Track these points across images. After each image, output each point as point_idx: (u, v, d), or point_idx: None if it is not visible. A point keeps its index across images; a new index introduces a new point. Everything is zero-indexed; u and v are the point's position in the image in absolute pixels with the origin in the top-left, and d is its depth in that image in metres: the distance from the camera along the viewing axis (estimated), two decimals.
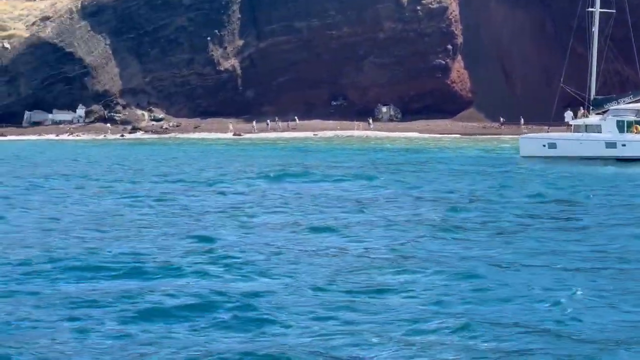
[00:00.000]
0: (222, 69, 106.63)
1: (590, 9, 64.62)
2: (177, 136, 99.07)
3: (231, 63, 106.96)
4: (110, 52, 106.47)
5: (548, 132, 66.81)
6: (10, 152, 70.53)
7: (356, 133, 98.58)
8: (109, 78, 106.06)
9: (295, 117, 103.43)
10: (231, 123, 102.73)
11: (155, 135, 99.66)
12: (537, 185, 38.31)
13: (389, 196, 32.79)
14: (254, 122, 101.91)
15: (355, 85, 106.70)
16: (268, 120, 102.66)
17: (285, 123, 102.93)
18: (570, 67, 73.37)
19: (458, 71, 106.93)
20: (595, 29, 64.18)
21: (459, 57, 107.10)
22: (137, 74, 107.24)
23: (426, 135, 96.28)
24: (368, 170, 46.77)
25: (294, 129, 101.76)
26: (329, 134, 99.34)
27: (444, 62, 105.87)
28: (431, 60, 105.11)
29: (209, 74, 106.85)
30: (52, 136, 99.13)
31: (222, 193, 33.54)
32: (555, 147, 59.83)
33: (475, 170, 49.18)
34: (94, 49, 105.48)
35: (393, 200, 31.24)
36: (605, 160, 54.88)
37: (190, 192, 34.63)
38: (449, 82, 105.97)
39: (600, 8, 64.10)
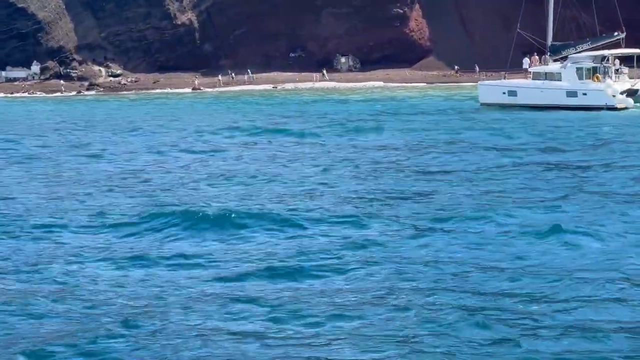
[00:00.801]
0: (179, 22, 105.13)
1: None
2: (137, 93, 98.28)
3: (188, 17, 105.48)
4: (64, 6, 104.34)
5: (506, 79, 65.96)
6: None
7: (317, 84, 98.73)
8: (64, 34, 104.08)
9: (248, 70, 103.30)
10: (196, 78, 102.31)
11: (113, 93, 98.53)
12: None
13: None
14: (220, 76, 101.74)
15: (313, 37, 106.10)
16: (232, 74, 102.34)
17: (244, 76, 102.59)
18: (529, 13, 73.62)
19: (416, 20, 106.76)
20: None
21: (417, 6, 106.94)
22: (93, 29, 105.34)
23: (390, 85, 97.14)
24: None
25: (250, 83, 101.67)
26: (289, 86, 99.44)
27: (402, 11, 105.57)
28: (389, 9, 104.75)
29: (166, 27, 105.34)
30: (3, 94, 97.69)
31: None
32: (516, 95, 60.40)
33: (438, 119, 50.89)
34: (47, 4, 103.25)
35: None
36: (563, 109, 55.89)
37: None
38: (407, 31, 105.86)
39: None
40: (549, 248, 14.96)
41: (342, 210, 19.41)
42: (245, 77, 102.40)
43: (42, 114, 68.79)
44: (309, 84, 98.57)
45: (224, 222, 17.68)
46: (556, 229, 16.04)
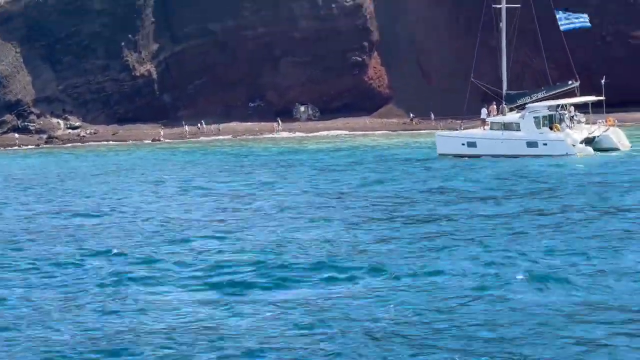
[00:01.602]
0: (137, 74, 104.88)
1: (496, 5, 65.99)
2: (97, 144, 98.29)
3: (147, 68, 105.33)
4: (22, 60, 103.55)
5: (462, 127, 65.62)
6: None
7: (279, 135, 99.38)
8: (22, 87, 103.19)
9: (202, 122, 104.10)
10: (161, 129, 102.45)
11: (69, 144, 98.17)
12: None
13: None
14: (186, 126, 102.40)
15: (273, 86, 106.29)
16: (199, 124, 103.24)
17: (210, 127, 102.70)
18: (485, 60, 75.01)
19: (375, 67, 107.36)
20: (503, 25, 65.40)
21: (376, 54, 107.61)
22: (51, 82, 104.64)
23: (353, 133, 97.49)
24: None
25: (216, 134, 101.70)
26: (250, 136, 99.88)
27: (360, 59, 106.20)
28: (348, 57, 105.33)
29: (125, 79, 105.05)
30: None
31: None
32: (475, 146, 60.76)
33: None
34: (4, 58, 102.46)
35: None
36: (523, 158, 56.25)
37: None
38: (366, 79, 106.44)
39: (507, 3, 65.71)
40: None
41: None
42: (212, 127, 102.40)
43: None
44: (270, 135, 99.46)
45: None
46: None
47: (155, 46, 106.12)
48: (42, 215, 35.00)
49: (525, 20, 67.18)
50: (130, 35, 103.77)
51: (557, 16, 62.36)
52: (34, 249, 25.84)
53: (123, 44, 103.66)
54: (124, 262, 22.08)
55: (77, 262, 22.40)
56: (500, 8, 65.19)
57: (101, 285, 18.92)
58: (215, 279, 19.29)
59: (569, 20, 63.48)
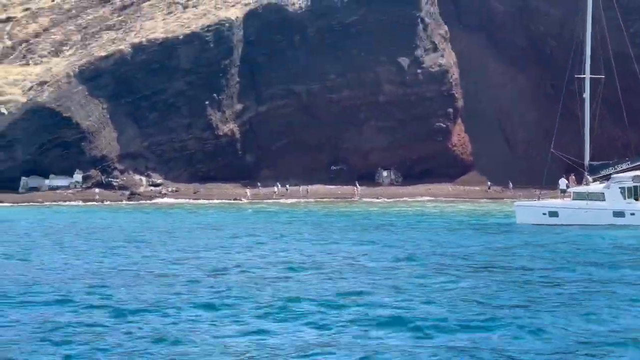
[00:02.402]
0: (221, 133, 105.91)
1: (579, 75, 64.09)
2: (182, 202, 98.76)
3: (230, 127, 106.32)
4: (108, 116, 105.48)
5: (539, 197, 66.77)
6: None
7: (362, 199, 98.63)
8: (107, 143, 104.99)
9: (286, 185, 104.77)
10: (247, 189, 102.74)
11: (150, 201, 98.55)
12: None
13: None
14: (276, 187, 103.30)
15: (356, 149, 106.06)
16: (286, 186, 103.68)
17: (298, 188, 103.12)
18: (568, 130, 73.12)
19: (459, 134, 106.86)
20: (587, 95, 63.48)
21: (460, 121, 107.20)
22: (135, 139, 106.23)
23: (438, 199, 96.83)
24: None
25: (304, 196, 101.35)
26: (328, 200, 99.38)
27: (444, 126, 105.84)
28: (432, 123, 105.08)
29: (208, 138, 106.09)
30: (48, 203, 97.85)
31: None
32: (557, 216, 58.41)
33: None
34: (92, 114, 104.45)
35: None
36: (607, 228, 53.99)
37: None
38: (450, 146, 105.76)
39: (591, 73, 63.87)
40: None
41: None
42: (300, 188, 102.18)
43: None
44: (357, 198, 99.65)
45: None
46: None
47: (239, 106, 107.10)
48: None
49: (610, 90, 65.69)
50: (214, 95, 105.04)
51: None
52: None
53: (207, 102, 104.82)
54: None
55: None
56: (584, 78, 63.42)
57: None
58: None
59: None
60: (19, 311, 21.94)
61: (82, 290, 25.80)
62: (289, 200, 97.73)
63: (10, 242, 47.71)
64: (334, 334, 18.02)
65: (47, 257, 37.70)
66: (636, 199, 55.99)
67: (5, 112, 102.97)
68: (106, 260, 35.87)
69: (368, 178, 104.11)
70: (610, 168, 60.93)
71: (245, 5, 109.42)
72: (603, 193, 57.74)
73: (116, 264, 34.17)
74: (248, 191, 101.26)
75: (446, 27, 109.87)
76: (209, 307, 21.83)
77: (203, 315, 20.67)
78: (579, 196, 59.36)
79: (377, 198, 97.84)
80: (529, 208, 63.03)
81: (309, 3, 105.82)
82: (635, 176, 57.38)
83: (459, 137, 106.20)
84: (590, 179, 61.26)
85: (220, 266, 32.86)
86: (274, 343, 17.07)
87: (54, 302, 23.28)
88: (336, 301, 22.48)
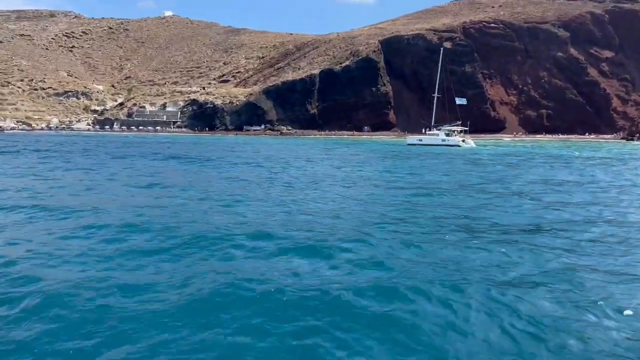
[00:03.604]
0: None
1: (434, 94, 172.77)
2: None
3: None
4: (272, 106, 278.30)
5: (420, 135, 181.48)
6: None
7: None
8: (273, 115, 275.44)
9: None
10: None
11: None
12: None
13: None
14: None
15: None
16: None
17: None
18: (428, 111, 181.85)
19: None
20: (435, 100, 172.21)
21: None
22: (280, 113, 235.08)
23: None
24: None
25: None
26: None
27: None
28: None
29: None
30: (252, 135, 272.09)
31: None
32: (422, 140, 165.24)
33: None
34: (266, 106, 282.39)
35: None
36: (440, 146, 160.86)
37: None
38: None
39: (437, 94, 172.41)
40: None
41: None
42: None
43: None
44: None
45: None
46: None
47: None
48: None
49: (446, 100, 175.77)
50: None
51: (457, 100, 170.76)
52: None
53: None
54: None
55: None
56: (435, 96, 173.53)
57: None
58: None
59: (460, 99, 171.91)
60: None
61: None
62: None
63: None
64: None
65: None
66: (447, 135, 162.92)
67: (238, 103, 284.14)
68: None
69: None
70: (441, 126, 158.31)
71: None
72: (438, 133, 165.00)
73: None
74: None
75: None
76: None
77: None
78: (430, 134, 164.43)
79: None
80: (411, 138, 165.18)
81: None
82: (448, 129, 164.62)
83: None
84: (434, 129, 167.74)
85: None
86: None
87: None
88: None
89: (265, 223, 26.71)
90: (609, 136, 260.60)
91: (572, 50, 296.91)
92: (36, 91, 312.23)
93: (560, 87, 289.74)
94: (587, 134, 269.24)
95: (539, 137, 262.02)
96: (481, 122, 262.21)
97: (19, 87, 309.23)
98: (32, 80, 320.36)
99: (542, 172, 63.40)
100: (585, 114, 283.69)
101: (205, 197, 35.99)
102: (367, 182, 47.96)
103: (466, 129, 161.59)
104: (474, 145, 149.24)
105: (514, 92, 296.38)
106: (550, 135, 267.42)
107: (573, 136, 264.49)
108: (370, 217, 29.10)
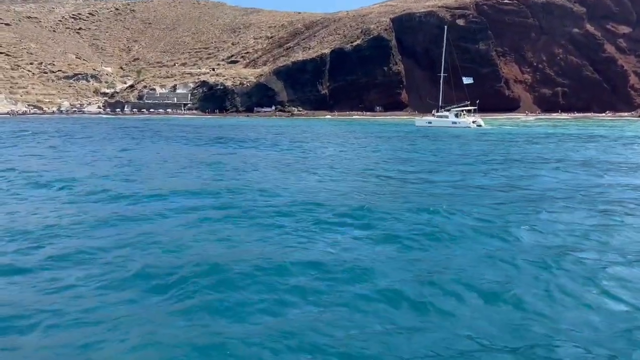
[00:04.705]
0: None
1: (440, 74, 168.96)
2: None
3: None
4: (284, 86, 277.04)
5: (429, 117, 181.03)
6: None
7: None
8: (283, 96, 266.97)
9: None
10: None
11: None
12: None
13: None
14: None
15: None
16: None
17: None
18: (436, 91, 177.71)
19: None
20: (441, 79, 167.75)
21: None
22: (291, 94, 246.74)
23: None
24: None
25: None
26: None
27: None
28: None
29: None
30: (261, 117, 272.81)
31: None
32: (431, 123, 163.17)
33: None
34: (277, 86, 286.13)
35: None
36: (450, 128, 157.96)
37: None
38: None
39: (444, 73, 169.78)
40: None
41: None
42: None
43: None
44: None
45: None
46: None
47: None
48: None
49: (454, 79, 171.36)
50: None
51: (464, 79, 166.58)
52: None
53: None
54: None
55: None
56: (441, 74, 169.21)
57: None
58: None
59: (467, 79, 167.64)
60: None
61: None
62: None
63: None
64: None
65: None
66: (457, 117, 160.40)
67: (249, 85, 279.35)
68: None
69: None
70: (449, 107, 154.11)
71: None
72: (447, 115, 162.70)
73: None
74: None
75: None
76: None
77: None
78: (440, 116, 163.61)
79: None
80: (420, 121, 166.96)
81: None
82: (457, 110, 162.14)
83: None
84: (443, 110, 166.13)
85: None
86: None
87: None
88: None
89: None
90: (626, 114, 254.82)
91: (588, 26, 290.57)
92: (46, 74, 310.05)
93: (576, 64, 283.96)
94: (606, 112, 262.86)
95: (555, 115, 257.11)
96: (495, 101, 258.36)
97: (29, 71, 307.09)
98: (42, 63, 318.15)
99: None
100: (601, 91, 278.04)
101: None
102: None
103: (474, 107, 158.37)
104: (483, 124, 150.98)
105: (528, 69, 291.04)
106: (566, 114, 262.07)
107: (590, 114, 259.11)
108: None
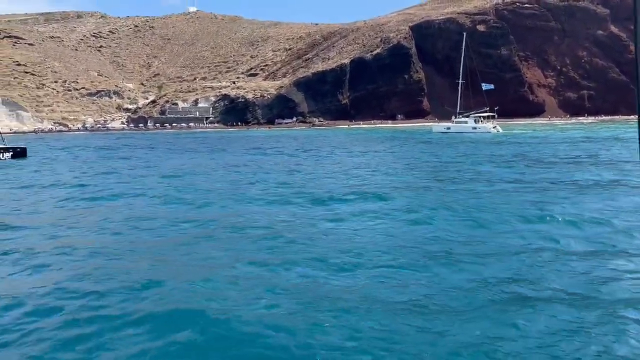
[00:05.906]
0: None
1: (458, 81, 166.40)
2: None
3: None
4: (304, 98, 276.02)
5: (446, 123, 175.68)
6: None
7: None
8: (304, 107, 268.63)
9: None
10: None
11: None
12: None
13: None
14: None
15: None
16: None
17: None
18: (455, 99, 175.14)
19: None
20: (460, 85, 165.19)
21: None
22: (312, 105, 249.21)
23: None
24: None
25: None
26: None
27: None
28: None
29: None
30: (284, 128, 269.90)
31: None
32: (450, 129, 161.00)
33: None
34: (297, 98, 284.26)
35: None
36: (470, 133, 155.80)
37: None
38: None
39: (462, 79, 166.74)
40: None
41: None
42: None
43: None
44: None
45: None
46: None
47: None
48: None
49: (473, 85, 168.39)
50: None
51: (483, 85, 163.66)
52: None
53: None
54: None
55: None
56: (459, 81, 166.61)
57: None
58: None
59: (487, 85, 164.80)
60: None
61: None
62: None
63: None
64: None
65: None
66: (476, 122, 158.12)
67: (269, 97, 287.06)
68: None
69: None
70: (468, 113, 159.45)
71: None
72: (467, 120, 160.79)
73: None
74: None
75: None
76: None
77: None
78: (458, 122, 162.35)
79: None
80: (438, 126, 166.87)
81: None
82: (476, 116, 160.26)
83: None
84: (460, 117, 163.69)
85: None
86: None
87: None
88: None
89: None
90: None
91: (613, 28, 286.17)
92: (70, 92, 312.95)
93: (601, 67, 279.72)
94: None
95: (581, 119, 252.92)
96: (520, 106, 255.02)
97: (53, 89, 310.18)
98: (65, 81, 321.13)
99: None
100: (629, 93, 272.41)
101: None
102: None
103: (494, 114, 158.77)
104: (501, 130, 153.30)
105: (552, 73, 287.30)
106: (593, 117, 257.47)
107: (617, 117, 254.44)
108: None
